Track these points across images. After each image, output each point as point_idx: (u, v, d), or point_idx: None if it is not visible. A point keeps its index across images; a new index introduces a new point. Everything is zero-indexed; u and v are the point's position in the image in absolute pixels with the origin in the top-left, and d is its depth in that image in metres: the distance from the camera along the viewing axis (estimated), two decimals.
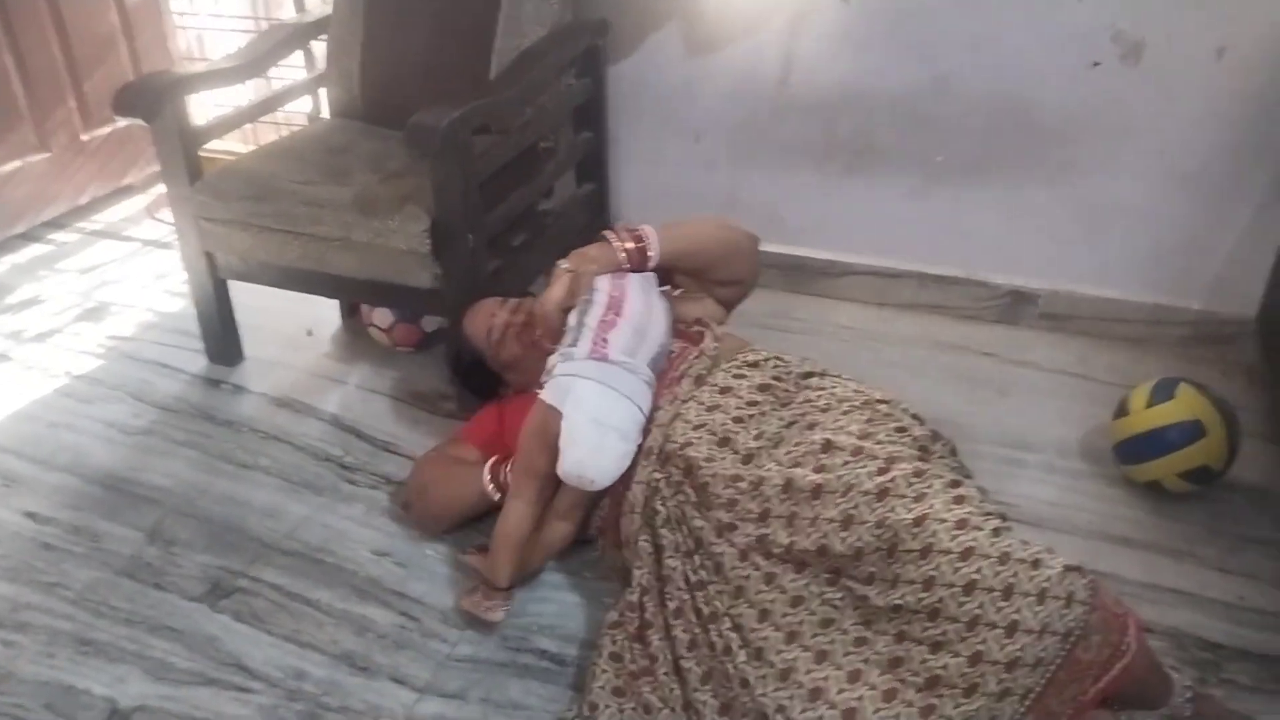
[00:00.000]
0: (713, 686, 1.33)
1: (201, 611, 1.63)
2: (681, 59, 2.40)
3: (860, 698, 1.22)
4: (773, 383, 1.62)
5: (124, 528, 1.80)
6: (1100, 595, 1.18)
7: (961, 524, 1.24)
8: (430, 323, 2.34)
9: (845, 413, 1.50)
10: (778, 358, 1.70)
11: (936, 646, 1.21)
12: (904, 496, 1.28)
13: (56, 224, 2.99)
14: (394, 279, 1.97)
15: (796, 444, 1.45)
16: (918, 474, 1.32)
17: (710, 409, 1.54)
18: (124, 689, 1.49)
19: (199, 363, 2.30)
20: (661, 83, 2.45)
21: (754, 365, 1.66)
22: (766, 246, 2.50)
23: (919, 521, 1.25)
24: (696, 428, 1.51)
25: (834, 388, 1.59)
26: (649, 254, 1.69)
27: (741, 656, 1.30)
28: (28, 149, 2.84)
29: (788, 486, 1.37)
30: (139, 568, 1.71)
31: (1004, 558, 1.20)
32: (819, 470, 1.37)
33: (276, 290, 2.15)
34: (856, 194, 2.40)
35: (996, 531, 1.24)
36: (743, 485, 1.41)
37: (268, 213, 1.99)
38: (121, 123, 2.99)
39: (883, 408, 1.53)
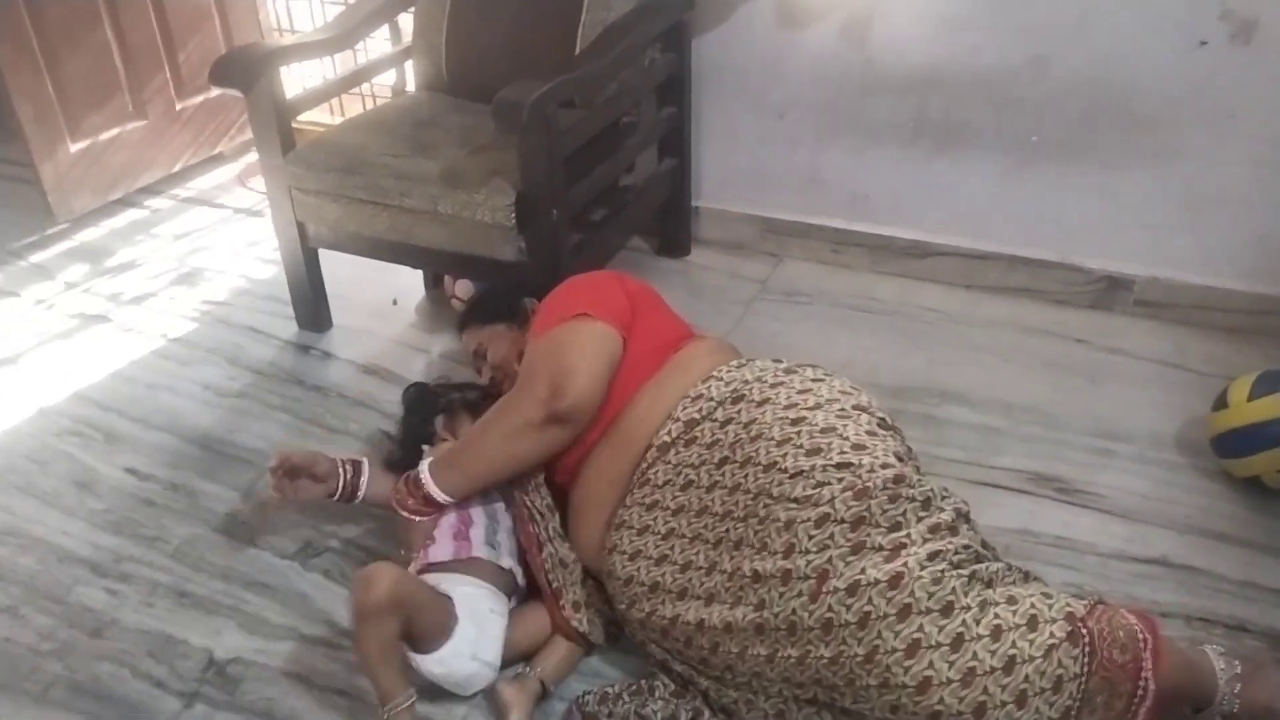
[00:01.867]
0: None
1: (294, 569, 1.68)
2: (768, 35, 2.37)
3: None
4: (690, 478, 1.42)
5: (220, 486, 1.86)
6: (1099, 655, 1.13)
7: (912, 649, 1.14)
8: None
9: (766, 509, 1.29)
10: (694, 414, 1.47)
11: None
12: (847, 625, 1.17)
13: (152, 190, 3.09)
14: (479, 252, 2.00)
15: (730, 576, 1.30)
16: (851, 590, 1.17)
17: (640, 532, 1.43)
18: (220, 640, 1.55)
19: (289, 329, 2.36)
20: (746, 59, 2.42)
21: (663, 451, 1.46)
22: (850, 225, 2.49)
23: (869, 657, 1.15)
24: (631, 557, 1.42)
25: (756, 448, 1.36)
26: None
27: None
28: (126, 117, 2.94)
29: (730, 629, 1.28)
30: (234, 525, 1.77)
31: (966, 678, 1.12)
32: (759, 607, 1.24)
33: (364, 261, 2.19)
34: (946, 174, 2.36)
35: (955, 645, 1.13)
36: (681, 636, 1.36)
37: (358, 185, 2.03)
38: (214, 93, 3.09)
39: (811, 463, 1.30)
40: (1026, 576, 1.33)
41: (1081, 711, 1.13)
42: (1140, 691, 1.14)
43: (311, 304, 2.33)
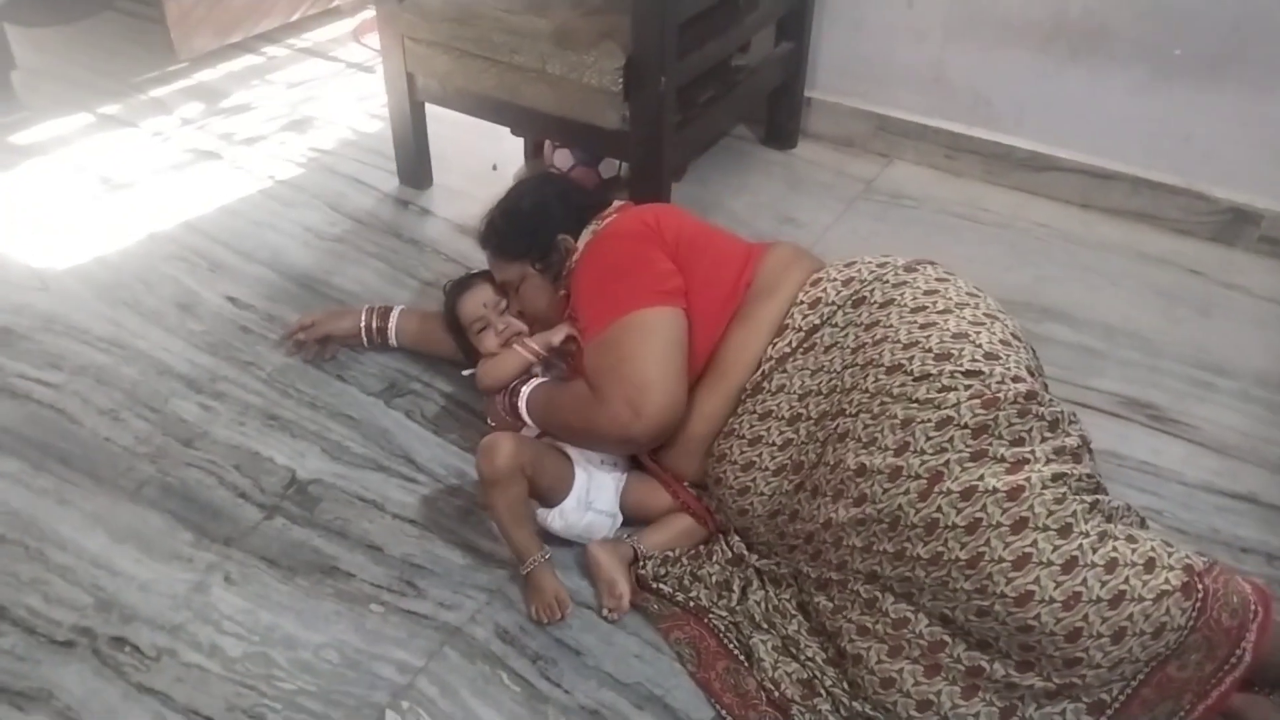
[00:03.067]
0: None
1: (378, 406, 1.74)
2: None
3: (939, 692, 1.19)
4: (811, 383, 1.38)
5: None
6: (1207, 613, 1.10)
7: (1021, 562, 1.11)
8: (608, 169, 2.34)
9: (881, 406, 1.25)
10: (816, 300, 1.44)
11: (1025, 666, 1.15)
12: (955, 528, 1.14)
13: (269, 38, 3.13)
14: (583, 117, 1.97)
15: (832, 470, 1.28)
16: (966, 495, 1.15)
17: (752, 442, 1.41)
18: (303, 462, 1.62)
19: (390, 183, 2.39)
20: None
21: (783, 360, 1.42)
22: (969, 130, 2.39)
23: (972, 563, 1.13)
24: (744, 468, 1.40)
25: (880, 351, 1.30)
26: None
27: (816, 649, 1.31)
28: None
29: (828, 525, 1.27)
30: (329, 358, 1.83)
31: (1069, 601, 1.09)
32: (860, 502, 1.23)
33: (467, 124, 2.19)
34: (1077, 82, 2.23)
35: (1066, 568, 1.10)
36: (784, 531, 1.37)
37: (469, 36, 2.01)
38: None
39: (939, 368, 1.24)
40: (1143, 523, 1.29)
41: (1169, 661, 1.11)
42: (1234, 659, 1.11)
43: (414, 160, 2.35)
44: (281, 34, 3.15)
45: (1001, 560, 1.12)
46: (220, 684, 1.29)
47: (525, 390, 1.51)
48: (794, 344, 1.41)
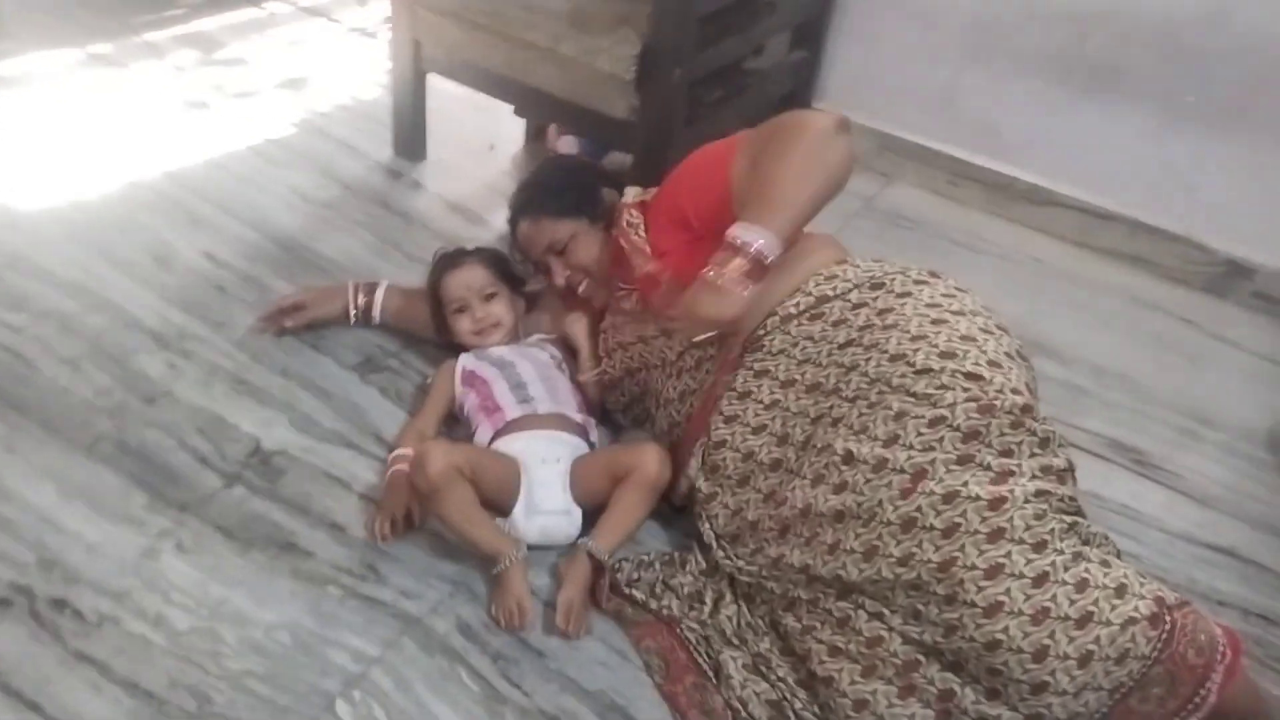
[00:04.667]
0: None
1: (352, 380, 1.68)
2: None
3: (912, 716, 1.15)
4: (810, 358, 1.34)
5: (293, 287, 1.84)
6: (1173, 646, 1.06)
7: (993, 571, 1.08)
8: (612, 163, 2.30)
9: (879, 395, 1.22)
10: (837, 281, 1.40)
11: (993, 694, 1.12)
12: (931, 529, 1.12)
13: None
14: (590, 103, 1.92)
15: (819, 452, 1.25)
16: (948, 499, 1.12)
17: (741, 396, 1.37)
18: (269, 431, 1.55)
19: (384, 152, 2.33)
20: None
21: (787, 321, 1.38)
22: (973, 157, 2.36)
23: (943, 567, 1.10)
24: (727, 420, 1.37)
25: (888, 336, 1.27)
26: None
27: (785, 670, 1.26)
28: None
29: (806, 511, 1.23)
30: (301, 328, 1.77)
31: (1038, 615, 1.07)
32: (840, 489, 1.20)
33: (467, 100, 2.13)
34: (1086, 119, 2.21)
35: (1037, 582, 1.08)
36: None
37: (483, 8, 1.96)
38: None
39: (942, 365, 1.21)
40: (1119, 554, 1.27)
41: (1132, 694, 1.08)
42: (1198, 699, 1.08)
43: (411, 130, 2.29)
44: None
45: (974, 568, 1.10)
46: (164, 657, 1.22)
47: (736, 229, 1.28)
48: (802, 306, 1.38)
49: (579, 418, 1.53)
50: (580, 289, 1.63)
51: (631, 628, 1.32)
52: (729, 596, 1.34)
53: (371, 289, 1.75)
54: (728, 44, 2.00)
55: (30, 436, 1.49)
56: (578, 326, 1.63)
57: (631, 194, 1.56)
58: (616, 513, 1.39)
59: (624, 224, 1.53)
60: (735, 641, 1.29)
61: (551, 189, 1.64)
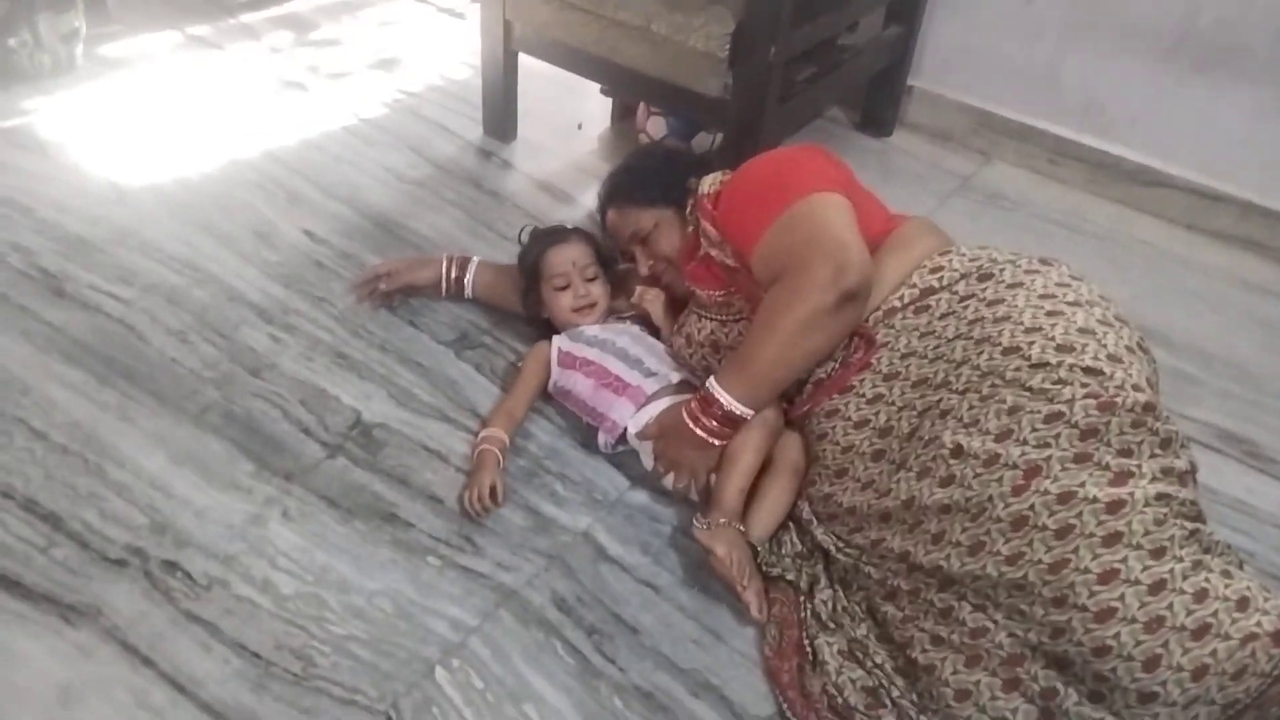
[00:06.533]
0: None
1: (447, 356, 1.69)
2: None
3: (1015, 709, 1.12)
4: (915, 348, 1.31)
5: None
6: None
7: (1107, 576, 1.04)
8: (700, 144, 2.28)
9: (991, 388, 1.18)
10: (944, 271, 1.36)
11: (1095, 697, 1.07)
12: (1043, 529, 1.08)
13: None
14: (682, 81, 1.91)
15: (925, 445, 1.21)
16: (1063, 498, 1.08)
17: (842, 391, 1.35)
18: (369, 404, 1.58)
19: (475, 132, 2.34)
20: None
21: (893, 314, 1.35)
22: (1077, 135, 2.29)
23: (1054, 568, 1.06)
24: (828, 415, 1.35)
25: (1000, 328, 1.23)
26: None
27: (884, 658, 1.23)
28: None
29: (910, 503, 1.20)
30: (398, 304, 1.79)
31: (1151, 624, 1.02)
32: (947, 483, 1.16)
33: (555, 79, 2.13)
34: (1198, 97, 2.12)
35: (1154, 589, 1.03)
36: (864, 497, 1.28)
37: None
38: None
39: (1059, 359, 1.16)
40: (1241, 565, 1.21)
41: (1247, 711, 1.03)
42: None
43: (501, 110, 2.29)
44: None
45: (1087, 571, 1.06)
46: (270, 620, 1.26)
47: (713, 383, 1.34)
48: (906, 299, 1.34)
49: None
50: (663, 278, 1.61)
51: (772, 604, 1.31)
52: (824, 580, 1.32)
53: (465, 263, 1.77)
54: (823, 20, 1.96)
55: (142, 405, 1.54)
56: (656, 305, 1.62)
57: (707, 183, 1.52)
58: (769, 501, 1.37)
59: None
60: (831, 626, 1.28)
61: (637, 178, 1.64)
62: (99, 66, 2.47)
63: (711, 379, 1.34)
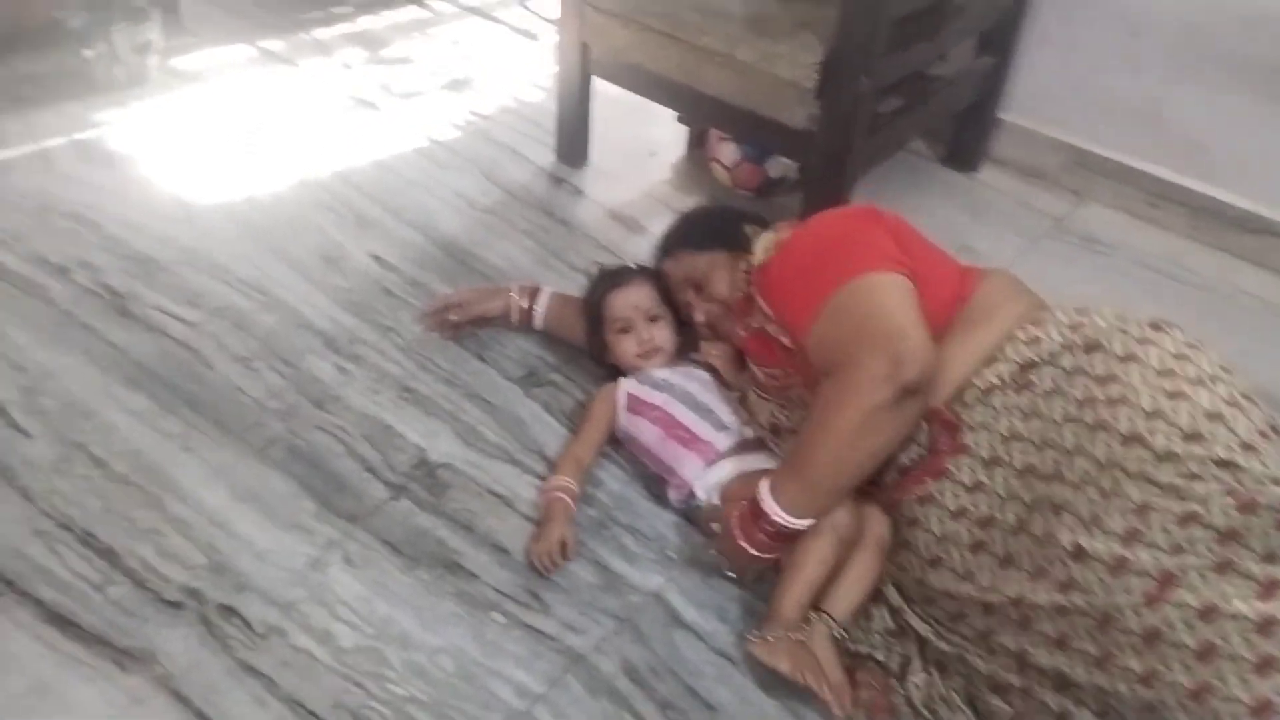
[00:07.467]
0: None
1: (515, 393, 1.63)
2: None
3: None
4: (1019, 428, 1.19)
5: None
6: None
7: (1261, 709, 0.94)
8: (775, 168, 2.20)
9: (1113, 482, 1.07)
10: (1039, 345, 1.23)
11: None
12: (1182, 647, 0.98)
13: None
14: (765, 110, 1.83)
15: (1038, 543, 1.10)
16: (1204, 614, 0.98)
17: (937, 475, 1.24)
18: (435, 443, 1.52)
19: (546, 157, 2.29)
20: None
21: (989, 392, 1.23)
22: (1178, 178, 2.16)
23: (1196, 695, 0.97)
24: (921, 501, 1.24)
25: (1115, 412, 1.11)
26: None
27: None
28: None
29: (1019, 602, 1.09)
30: (466, 336, 1.73)
31: None
32: (1066, 588, 1.06)
33: (627, 104, 2.07)
34: None
35: None
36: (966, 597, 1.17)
37: (656, 10, 1.89)
38: None
39: (1188, 449, 1.05)
40: None
41: None
42: None
43: (575, 136, 2.24)
44: None
45: (1235, 700, 0.96)
46: (328, 676, 1.20)
47: (764, 491, 1.24)
48: (1005, 377, 1.22)
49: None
50: (720, 327, 1.52)
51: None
52: (918, 663, 1.23)
53: (534, 293, 1.71)
54: (916, 49, 1.87)
55: (205, 436, 1.50)
56: (722, 361, 1.52)
57: (761, 246, 1.42)
58: (853, 578, 1.25)
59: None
60: (926, 714, 1.18)
61: (692, 225, 1.62)
62: (172, 79, 2.46)
63: (763, 484, 1.24)
